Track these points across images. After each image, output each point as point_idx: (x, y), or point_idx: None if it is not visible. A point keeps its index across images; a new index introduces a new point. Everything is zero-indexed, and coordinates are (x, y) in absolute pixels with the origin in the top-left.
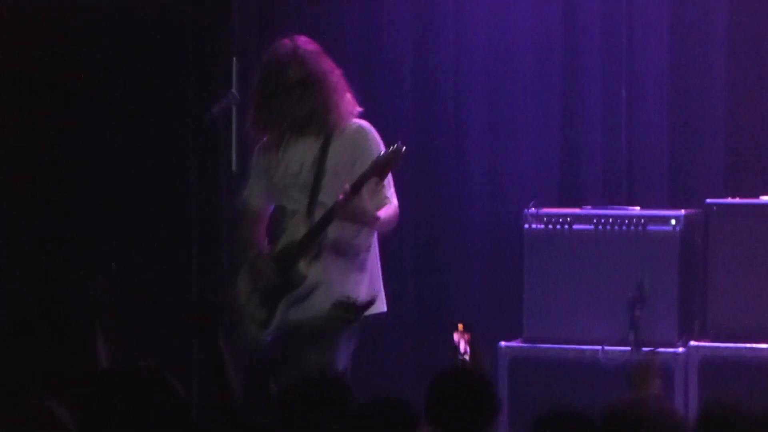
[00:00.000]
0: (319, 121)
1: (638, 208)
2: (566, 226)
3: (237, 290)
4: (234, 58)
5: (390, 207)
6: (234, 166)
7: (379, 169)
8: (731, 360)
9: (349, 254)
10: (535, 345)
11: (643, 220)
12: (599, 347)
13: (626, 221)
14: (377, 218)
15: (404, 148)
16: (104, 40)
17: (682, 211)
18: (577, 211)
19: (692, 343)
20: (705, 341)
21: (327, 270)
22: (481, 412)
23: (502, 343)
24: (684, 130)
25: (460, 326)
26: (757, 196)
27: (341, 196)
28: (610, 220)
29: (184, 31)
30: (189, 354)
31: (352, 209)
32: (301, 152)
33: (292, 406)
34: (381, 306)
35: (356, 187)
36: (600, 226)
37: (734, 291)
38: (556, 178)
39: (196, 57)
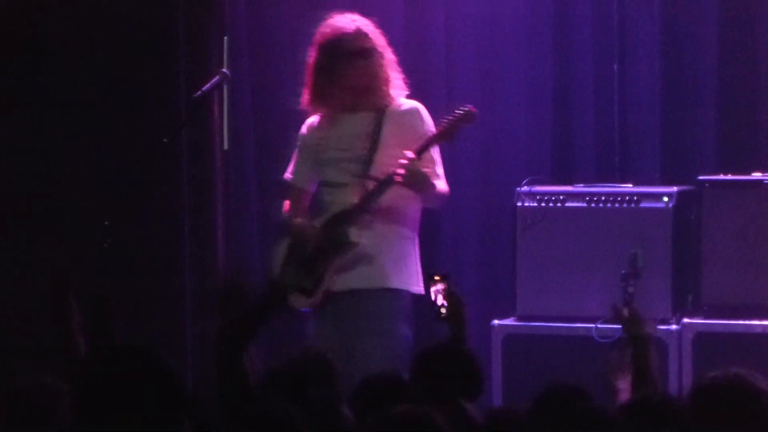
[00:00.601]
0: (374, 94)
1: (631, 185)
2: (559, 204)
3: (278, 262)
4: (225, 37)
5: (442, 182)
6: (226, 144)
7: (447, 132)
8: (724, 336)
9: (399, 224)
10: (528, 323)
11: (635, 197)
12: (593, 325)
13: (619, 198)
14: (434, 186)
15: (476, 111)
16: (95, 20)
17: (675, 188)
18: (569, 188)
19: (685, 320)
20: (698, 318)
21: (377, 238)
22: (466, 388)
23: (495, 321)
24: (676, 107)
25: (436, 278)
26: (749, 173)
27: (403, 161)
28: (603, 197)
29: (175, 10)
30: (182, 339)
31: (414, 174)
32: (354, 126)
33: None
34: (416, 286)
35: (420, 151)
36: (593, 204)
37: (727, 267)
38: (549, 156)
39: (188, 36)
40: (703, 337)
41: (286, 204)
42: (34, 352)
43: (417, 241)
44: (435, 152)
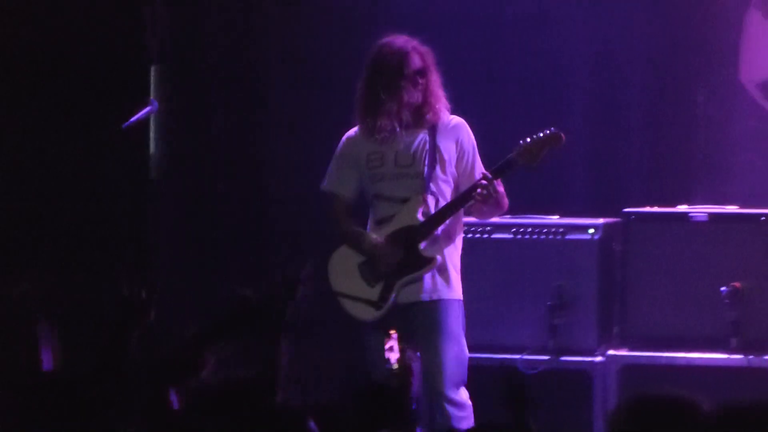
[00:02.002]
0: (427, 111)
1: (557, 216)
2: (485, 235)
3: (332, 274)
4: (152, 67)
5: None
6: (152, 173)
7: (529, 154)
8: (649, 368)
9: (457, 237)
10: None
11: (561, 229)
12: (518, 356)
13: (545, 230)
14: (507, 203)
15: (562, 135)
16: (22, 50)
17: (601, 220)
18: (496, 220)
19: (611, 351)
20: (623, 350)
21: (441, 253)
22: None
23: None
24: (603, 140)
25: (391, 331)
26: (674, 206)
27: (483, 181)
28: (529, 228)
29: (103, 39)
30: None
31: (493, 194)
32: (412, 142)
33: None
34: (461, 295)
35: (499, 173)
36: (519, 235)
37: (652, 299)
38: None
39: (115, 65)
40: (628, 369)
41: (338, 216)
42: None
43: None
44: (479, 162)
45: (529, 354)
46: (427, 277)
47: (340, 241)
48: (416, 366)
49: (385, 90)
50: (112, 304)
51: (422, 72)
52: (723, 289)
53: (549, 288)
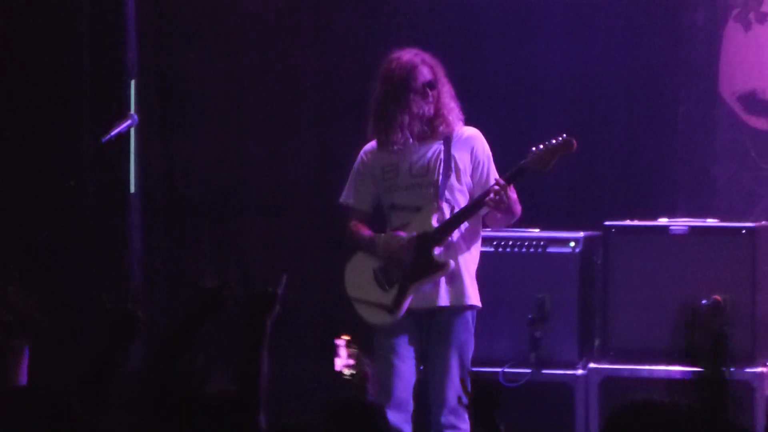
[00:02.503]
0: (441, 123)
1: (538, 230)
2: None
3: (348, 280)
4: (132, 81)
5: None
6: (133, 188)
7: (541, 161)
8: (630, 381)
9: (473, 243)
10: None
11: (542, 242)
12: (500, 369)
13: (526, 243)
14: (519, 210)
15: (574, 141)
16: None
17: (582, 233)
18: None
19: (592, 364)
20: (604, 363)
21: (455, 259)
22: None
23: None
24: (584, 153)
25: (345, 337)
26: (655, 218)
27: (495, 187)
28: (510, 242)
29: (83, 53)
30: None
31: (506, 200)
32: (426, 153)
33: None
34: (478, 301)
35: (511, 179)
36: (500, 248)
37: (633, 312)
38: None
39: (95, 79)
40: (609, 382)
41: (355, 226)
42: None
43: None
44: (495, 171)
45: (510, 367)
46: (441, 283)
47: (356, 250)
48: (372, 371)
49: (395, 103)
50: (96, 318)
51: (432, 84)
52: (704, 302)
53: (530, 301)
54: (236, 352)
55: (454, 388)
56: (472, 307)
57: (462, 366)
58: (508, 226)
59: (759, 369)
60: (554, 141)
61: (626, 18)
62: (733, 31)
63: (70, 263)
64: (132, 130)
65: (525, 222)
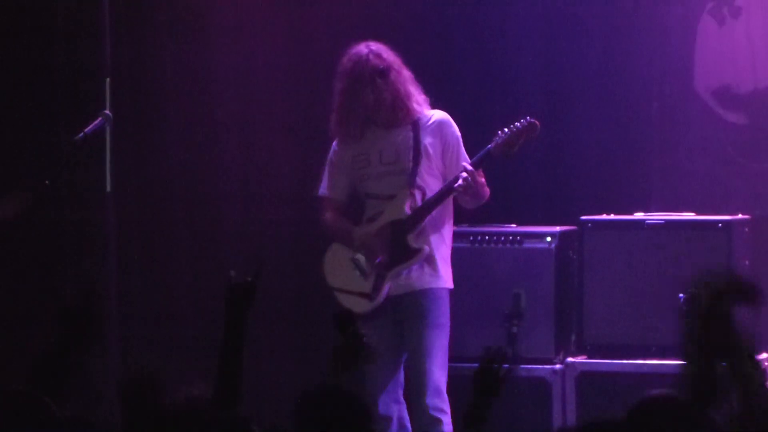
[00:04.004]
0: (400, 109)
1: (514, 225)
2: None
3: (327, 271)
4: (107, 79)
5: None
6: (108, 187)
7: (507, 144)
8: (607, 376)
9: (444, 228)
10: None
11: (519, 237)
12: (475, 365)
13: (502, 238)
14: (488, 192)
15: (538, 123)
16: None
17: (558, 228)
18: (453, 228)
19: (569, 359)
20: (581, 357)
21: (429, 244)
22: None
23: None
24: (559, 148)
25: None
26: (631, 213)
27: (463, 173)
28: (486, 237)
29: (57, 51)
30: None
31: (474, 184)
32: (393, 140)
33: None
34: (450, 283)
35: (479, 164)
36: (476, 243)
37: (609, 307)
38: None
39: (69, 77)
40: (586, 377)
41: (330, 216)
42: None
43: (450, 240)
44: (464, 154)
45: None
46: (416, 267)
47: (332, 240)
48: None
49: (347, 95)
50: (57, 317)
51: (382, 72)
52: (681, 296)
53: (506, 296)
54: (217, 345)
55: (436, 370)
56: (446, 289)
57: (441, 347)
58: (476, 207)
59: None
60: (518, 124)
61: (601, 13)
62: (707, 25)
63: (44, 261)
64: (107, 129)
65: (501, 217)
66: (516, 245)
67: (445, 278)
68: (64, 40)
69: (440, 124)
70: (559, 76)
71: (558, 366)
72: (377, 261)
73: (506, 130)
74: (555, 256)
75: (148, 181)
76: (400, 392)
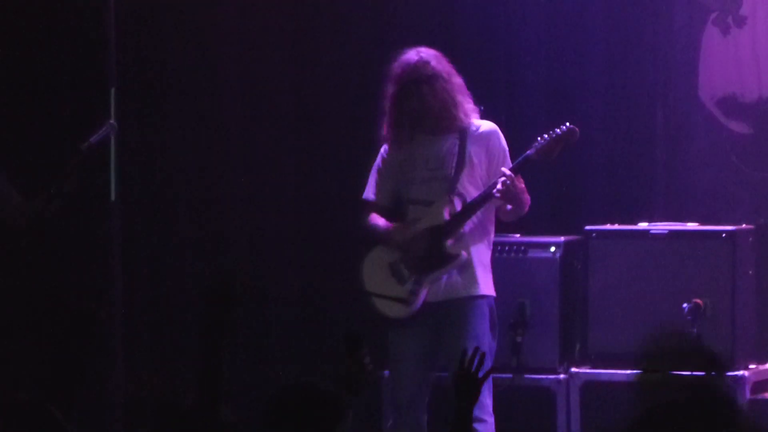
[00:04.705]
0: (446, 117)
1: (518, 234)
2: None
3: (365, 275)
4: (113, 89)
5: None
6: (113, 196)
7: (546, 151)
8: (611, 385)
9: (485, 235)
10: None
11: (523, 247)
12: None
13: (507, 248)
14: (528, 199)
15: (577, 130)
16: None
17: (562, 238)
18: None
19: (573, 369)
20: (585, 367)
21: (469, 249)
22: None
23: (387, 372)
24: (564, 158)
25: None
26: (635, 223)
27: (502, 178)
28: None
29: (63, 61)
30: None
31: (513, 190)
32: (439, 147)
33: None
34: (490, 290)
35: (518, 169)
36: None
37: (614, 316)
38: None
39: (75, 87)
40: (590, 387)
41: (372, 218)
42: None
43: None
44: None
45: (491, 372)
46: (454, 275)
47: (374, 242)
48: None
49: (394, 101)
50: (61, 318)
51: (427, 79)
52: (685, 305)
53: (511, 306)
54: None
55: None
56: (485, 296)
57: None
58: (517, 216)
59: (740, 372)
60: (558, 130)
61: (606, 22)
62: (711, 35)
63: (49, 270)
64: (112, 138)
65: (506, 227)
66: (520, 255)
67: (484, 286)
68: (70, 49)
69: (487, 135)
70: (563, 86)
71: (562, 376)
72: (413, 265)
73: (546, 136)
74: (559, 266)
75: (153, 189)
76: (426, 400)
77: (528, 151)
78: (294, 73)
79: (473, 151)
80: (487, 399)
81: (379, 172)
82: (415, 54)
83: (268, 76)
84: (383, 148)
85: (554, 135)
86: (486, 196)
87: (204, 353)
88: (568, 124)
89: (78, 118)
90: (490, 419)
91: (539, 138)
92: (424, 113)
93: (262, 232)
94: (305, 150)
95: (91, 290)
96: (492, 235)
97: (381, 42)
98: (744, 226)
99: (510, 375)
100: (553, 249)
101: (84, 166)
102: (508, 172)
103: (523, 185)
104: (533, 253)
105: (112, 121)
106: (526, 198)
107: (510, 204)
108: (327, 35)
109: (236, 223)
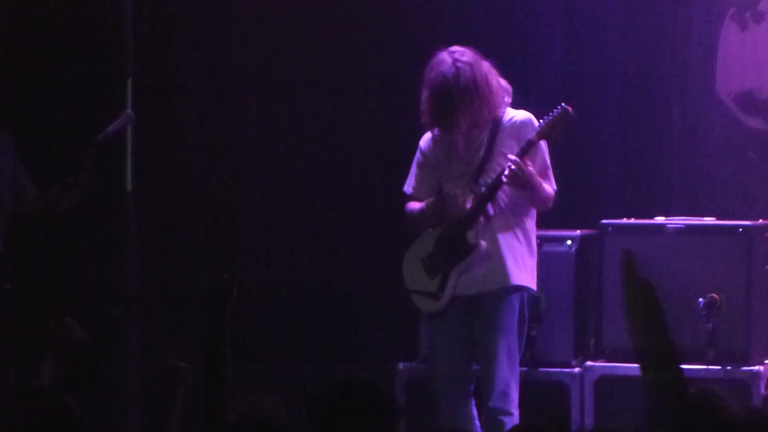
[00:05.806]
0: (483, 118)
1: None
2: None
3: (405, 273)
4: (129, 79)
5: (550, 182)
6: (129, 186)
7: (546, 133)
8: (626, 379)
9: (516, 225)
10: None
11: (538, 241)
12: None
13: None
14: (540, 186)
15: (571, 109)
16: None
17: (578, 232)
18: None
19: (588, 363)
20: (600, 361)
21: (497, 240)
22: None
23: (400, 364)
24: (579, 151)
25: None
26: (651, 217)
27: (508, 163)
28: None
29: (79, 52)
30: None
31: (520, 174)
32: (472, 141)
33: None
34: (534, 284)
35: (523, 153)
36: None
37: None
38: None
39: (91, 78)
40: (605, 380)
41: (409, 206)
42: None
43: (534, 242)
44: (545, 154)
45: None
46: (483, 266)
47: (413, 228)
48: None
49: (429, 103)
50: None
51: (462, 95)
52: (700, 300)
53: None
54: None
55: (501, 372)
56: (518, 288)
57: (509, 351)
58: (541, 204)
59: (755, 368)
60: (553, 114)
61: (623, 17)
62: (729, 30)
63: (64, 261)
64: (129, 128)
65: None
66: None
67: (515, 277)
68: (87, 41)
69: (520, 124)
70: (580, 81)
71: (577, 369)
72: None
73: (542, 120)
74: (575, 260)
75: (169, 180)
76: (468, 393)
77: (529, 137)
78: (311, 65)
79: (504, 143)
80: (514, 392)
81: (419, 165)
82: (451, 65)
83: (285, 69)
84: (422, 140)
85: (548, 118)
86: (496, 184)
87: (206, 354)
88: (563, 104)
89: (95, 109)
90: (516, 412)
91: (539, 121)
92: (458, 112)
93: (277, 224)
94: (323, 141)
95: (106, 282)
96: (528, 226)
97: (398, 38)
98: (760, 221)
99: (525, 369)
100: (569, 243)
101: (100, 157)
102: (513, 158)
103: (532, 168)
104: (549, 247)
105: (128, 110)
106: (537, 181)
107: (522, 189)
108: (344, 31)
109: (252, 213)
